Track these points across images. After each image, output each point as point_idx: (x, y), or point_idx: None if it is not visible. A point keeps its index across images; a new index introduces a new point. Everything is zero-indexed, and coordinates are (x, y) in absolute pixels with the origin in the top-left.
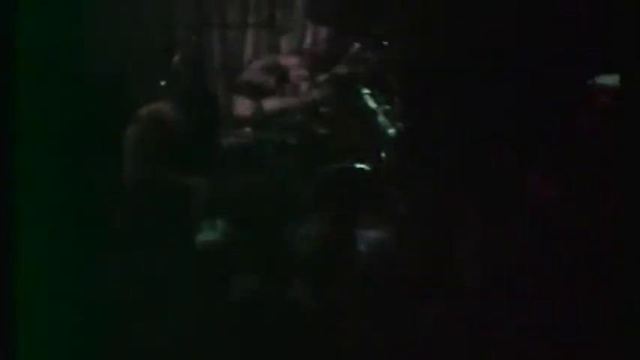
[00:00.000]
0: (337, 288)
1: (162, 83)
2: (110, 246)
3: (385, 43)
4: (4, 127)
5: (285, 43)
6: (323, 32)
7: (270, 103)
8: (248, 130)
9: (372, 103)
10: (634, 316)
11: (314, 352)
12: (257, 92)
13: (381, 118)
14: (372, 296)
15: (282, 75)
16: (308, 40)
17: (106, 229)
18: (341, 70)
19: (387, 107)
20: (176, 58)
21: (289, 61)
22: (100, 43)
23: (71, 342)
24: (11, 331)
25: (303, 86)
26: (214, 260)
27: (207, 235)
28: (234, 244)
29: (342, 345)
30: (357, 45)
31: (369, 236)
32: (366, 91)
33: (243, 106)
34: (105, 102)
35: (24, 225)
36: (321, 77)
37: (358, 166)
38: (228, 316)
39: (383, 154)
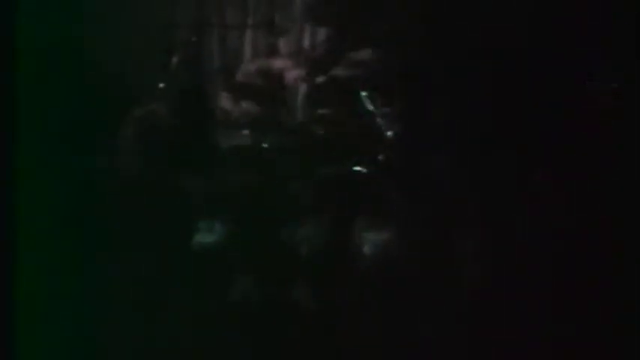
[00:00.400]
0: (337, 289)
1: (162, 85)
2: (110, 246)
3: (384, 45)
4: (4, 127)
5: (283, 44)
6: (322, 34)
7: (268, 105)
8: (246, 131)
9: (370, 105)
10: (634, 317)
11: (314, 353)
12: (255, 93)
13: (380, 120)
14: (371, 297)
15: (280, 76)
16: (307, 41)
17: (107, 230)
18: (340, 71)
19: (386, 109)
20: (175, 58)
21: (288, 62)
22: (101, 43)
23: (71, 342)
24: (11, 331)
25: (302, 87)
26: (213, 261)
27: (206, 236)
28: (232, 245)
29: (343, 346)
30: (355, 47)
31: (369, 238)
32: (364, 93)
33: (241, 107)
34: (105, 102)
35: (24, 225)
36: (320, 79)
37: (357, 168)
38: (228, 317)
39: (381, 156)
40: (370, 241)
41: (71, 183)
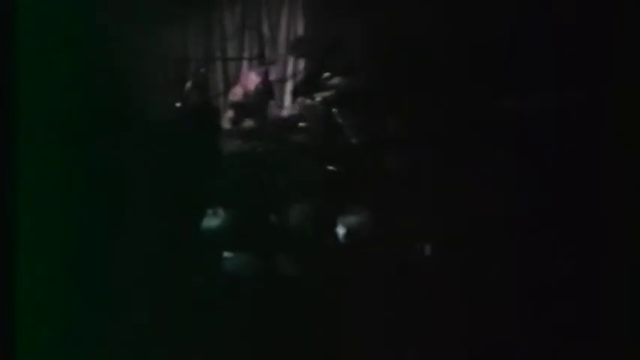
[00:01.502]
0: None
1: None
2: (111, 246)
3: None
4: (5, 127)
5: (272, 71)
6: (302, 63)
7: (260, 119)
8: (244, 140)
9: (340, 119)
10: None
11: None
12: (249, 111)
13: (350, 131)
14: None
15: (269, 97)
16: (290, 69)
17: (107, 230)
18: (316, 92)
19: (355, 121)
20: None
21: (275, 85)
22: (101, 43)
23: (71, 342)
24: (11, 331)
25: (287, 105)
26: (214, 257)
27: (209, 227)
28: (234, 236)
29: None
30: (328, 73)
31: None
32: (335, 109)
33: (239, 121)
34: (105, 102)
35: (24, 225)
36: (300, 99)
37: (335, 168)
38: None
39: (357, 158)
40: (342, 224)
41: (71, 183)
